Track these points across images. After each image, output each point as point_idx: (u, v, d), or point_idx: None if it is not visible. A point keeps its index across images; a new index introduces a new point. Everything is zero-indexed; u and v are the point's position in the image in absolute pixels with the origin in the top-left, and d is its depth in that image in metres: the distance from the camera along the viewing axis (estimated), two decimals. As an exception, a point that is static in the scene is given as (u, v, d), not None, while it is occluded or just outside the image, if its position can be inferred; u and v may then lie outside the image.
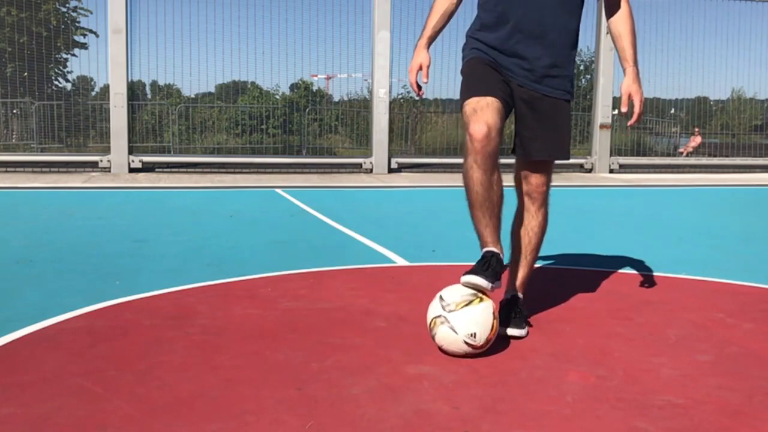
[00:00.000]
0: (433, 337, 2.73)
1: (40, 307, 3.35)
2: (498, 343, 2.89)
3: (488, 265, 2.76)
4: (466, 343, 2.64)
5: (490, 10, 3.01)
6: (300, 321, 3.17)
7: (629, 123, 3.06)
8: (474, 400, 2.30)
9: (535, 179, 3.08)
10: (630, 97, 3.00)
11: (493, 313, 2.72)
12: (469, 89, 2.92)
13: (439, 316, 2.69)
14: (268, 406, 2.22)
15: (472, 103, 2.85)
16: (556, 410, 2.23)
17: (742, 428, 2.11)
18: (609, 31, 3.14)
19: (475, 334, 2.64)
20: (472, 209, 2.84)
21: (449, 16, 3.16)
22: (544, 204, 3.12)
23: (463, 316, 2.66)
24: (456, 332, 2.64)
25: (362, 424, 2.11)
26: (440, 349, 2.72)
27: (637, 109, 2.99)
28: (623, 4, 3.08)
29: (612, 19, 3.10)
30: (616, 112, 14.66)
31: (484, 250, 2.84)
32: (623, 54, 3.06)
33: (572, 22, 3.00)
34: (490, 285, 2.71)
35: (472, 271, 2.73)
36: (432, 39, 3.15)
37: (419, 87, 3.11)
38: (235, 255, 4.83)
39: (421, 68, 3.09)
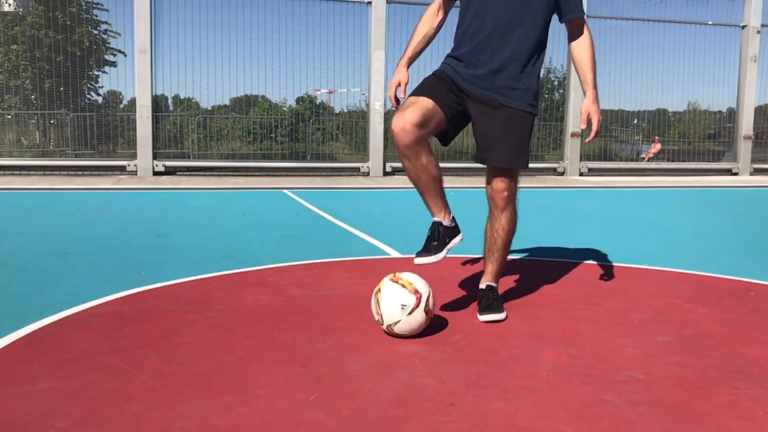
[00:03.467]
0: (411, 336, 2.70)
1: (74, 294, 3.35)
2: (480, 326, 2.90)
3: (435, 237, 2.93)
4: (408, 314, 2.65)
5: (462, 26, 3.00)
6: (305, 306, 3.17)
7: (587, 140, 3.05)
8: (459, 375, 2.30)
9: (495, 184, 3.00)
10: (589, 116, 2.99)
11: (392, 281, 2.73)
12: (412, 92, 2.95)
13: (387, 329, 2.70)
14: (276, 381, 2.22)
15: (407, 101, 2.89)
16: (532, 385, 2.23)
17: (697, 400, 2.12)
18: (572, 57, 3.11)
19: (403, 304, 2.65)
20: (417, 190, 2.97)
21: (429, 39, 3.17)
22: (507, 208, 3.02)
23: (386, 311, 2.67)
24: (399, 319, 2.65)
25: (360, 396, 2.11)
26: (413, 333, 2.70)
27: (594, 127, 2.97)
28: (585, 32, 3.03)
29: (574, 45, 3.05)
30: (585, 126, 14.66)
31: (432, 220, 3.00)
32: (584, 78, 3.03)
33: (533, 42, 2.94)
34: (438, 258, 2.89)
35: (421, 252, 2.90)
36: (412, 59, 3.14)
37: (398, 101, 3.09)
38: (247, 248, 4.82)
39: (399, 85, 3.08)
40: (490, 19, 2.90)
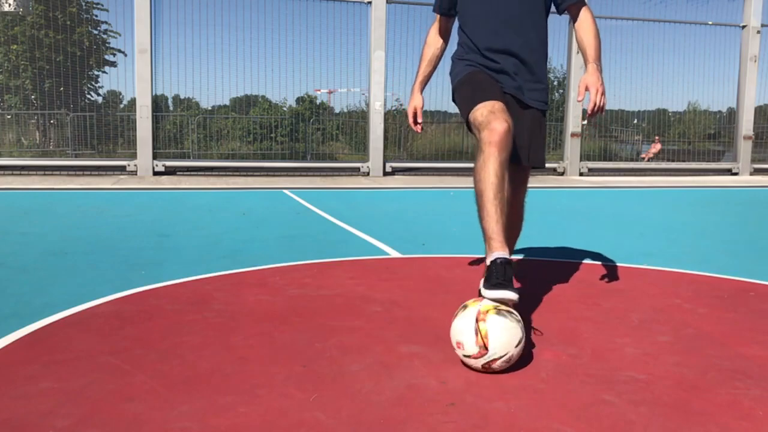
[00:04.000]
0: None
1: (74, 294, 3.35)
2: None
3: (504, 276, 2.39)
4: (464, 356, 2.33)
5: (467, 38, 2.99)
6: (305, 306, 3.17)
7: (587, 115, 2.74)
8: (459, 375, 2.30)
9: (512, 187, 2.92)
10: (587, 88, 2.69)
11: (477, 319, 2.33)
12: (477, 96, 2.76)
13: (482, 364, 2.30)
14: (276, 381, 2.22)
15: (487, 107, 2.67)
16: (532, 384, 2.23)
17: (696, 400, 2.11)
18: (576, 36, 2.98)
19: (461, 344, 2.34)
20: (484, 203, 2.53)
21: (437, 60, 3.21)
22: (518, 210, 3.05)
23: (452, 331, 2.39)
24: (455, 348, 2.36)
25: (360, 396, 2.10)
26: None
27: (592, 98, 2.66)
28: (586, 15, 2.92)
29: (576, 27, 2.95)
30: (585, 122, 14.70)
31: (496, 255, 2.46)
32: (584, 55, 2.86)
33: (542, 37, 2.95)
34: (517, 296, 2.37)
35: (496, 285, 2.37)
36: (424, 83, 3.20)
37: (416, 123, 3.16)
38: (247, 248, 4.82)
39: (416, 110, 3.14)
40: (499, 21, 2.89)
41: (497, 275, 2.40)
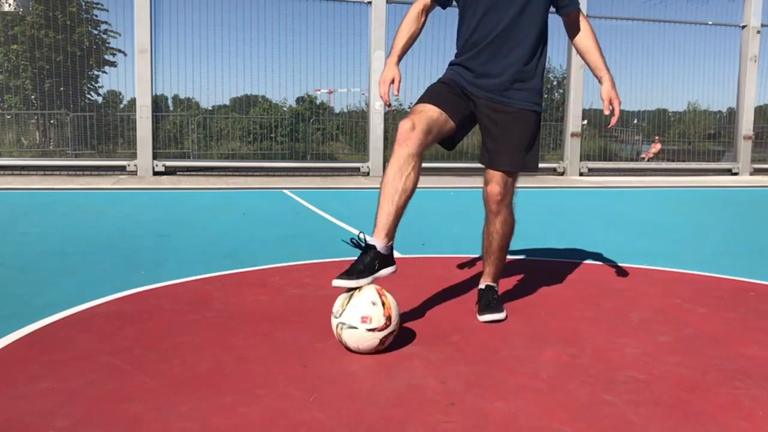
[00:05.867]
0: (347, 346, 2.53)
1: (74, 294, 3.35)
2: (480, 326, 2.90)
3: (364, 260, 2.67)
4: (368, 330, 2.46)
5: (463, 36, 3.01)
6: (305, 306, 3.17)
7: (610, 124, 2.97)
8: (459, 375, 2.30)
9: (490, 188, 2.97)
10: (611, 101, 2.97)
11: (378, 293, 2.56)
12: (419, 99, 2.94)
13: (337, 325, 2.53)
14: (276, 381, 2.22)
15: (414, 108, 2.89)
16: (532, 384, 2.23)
17: (697, 400, 2.12)
18: (576, 49, 3.10)
19: (369, 318, 2.47)
20: (380, 193, 2.80)
21: (414, 37, 3.13)
22: (501, 212, 3.00)
23: (350, 311, 2.50)
24: (355, 327, 2.47)
25: (360, 396, 2.11)
26: (359, 350, 2.50)
27: (617, 112, 2.95)
28: (584, 22, 3.04)
29: (576, 38, 3.05)
30: (585, 122, 14.71)
31: (367, 240, 2.74)
32: (596, 64, 3.03)
33: (535, 42, 2.94)
34: (360, 284, 2.59)
35: (343, 273, 2.62)
36: (401, 57, 3.10)
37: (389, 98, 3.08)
38: (247, 248, 4.82)
39: (392, 82, 3.01)
40: (492, 24, 2.90)
41: (354, 264, 2.67)
